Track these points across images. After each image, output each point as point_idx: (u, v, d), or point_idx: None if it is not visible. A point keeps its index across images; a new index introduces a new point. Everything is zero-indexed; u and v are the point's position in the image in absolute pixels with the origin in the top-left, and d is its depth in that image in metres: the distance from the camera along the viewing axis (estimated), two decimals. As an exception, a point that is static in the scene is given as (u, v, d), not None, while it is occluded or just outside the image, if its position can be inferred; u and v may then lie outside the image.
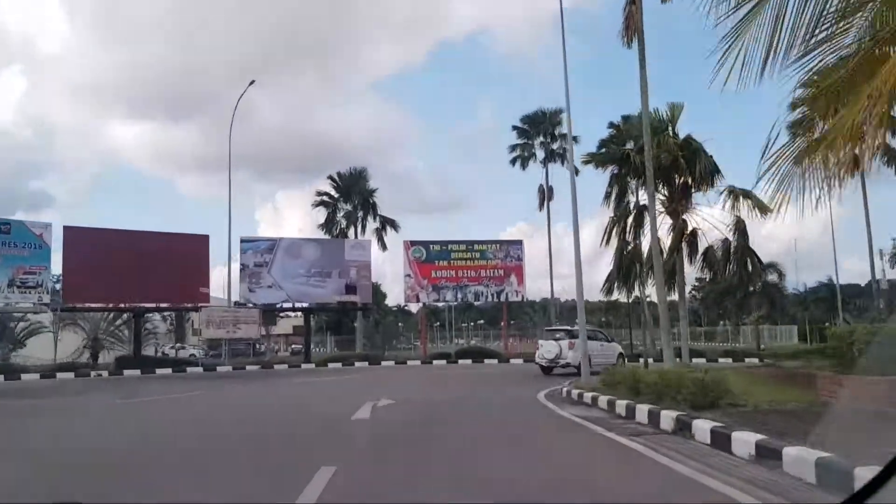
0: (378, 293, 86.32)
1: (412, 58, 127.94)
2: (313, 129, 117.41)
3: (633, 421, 10.13)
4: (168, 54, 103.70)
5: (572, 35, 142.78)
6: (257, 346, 56.53)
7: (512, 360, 37.01)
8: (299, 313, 51.48)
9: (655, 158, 23.11)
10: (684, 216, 23.76)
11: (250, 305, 35.41)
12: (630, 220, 24.40)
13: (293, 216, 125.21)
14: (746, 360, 35.70)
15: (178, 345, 54.86)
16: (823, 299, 69.66)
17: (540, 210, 41.86)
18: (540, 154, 42.43)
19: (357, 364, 35.13)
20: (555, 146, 42.14)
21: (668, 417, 8.90)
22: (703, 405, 9.23)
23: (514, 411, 12.81)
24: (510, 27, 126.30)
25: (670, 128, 23.92)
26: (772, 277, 40.53)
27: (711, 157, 23.22)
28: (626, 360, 25.21)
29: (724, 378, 9.59)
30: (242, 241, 35.40)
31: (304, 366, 34.26)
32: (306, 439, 9.11)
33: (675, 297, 24.94)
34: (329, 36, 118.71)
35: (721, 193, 22.53)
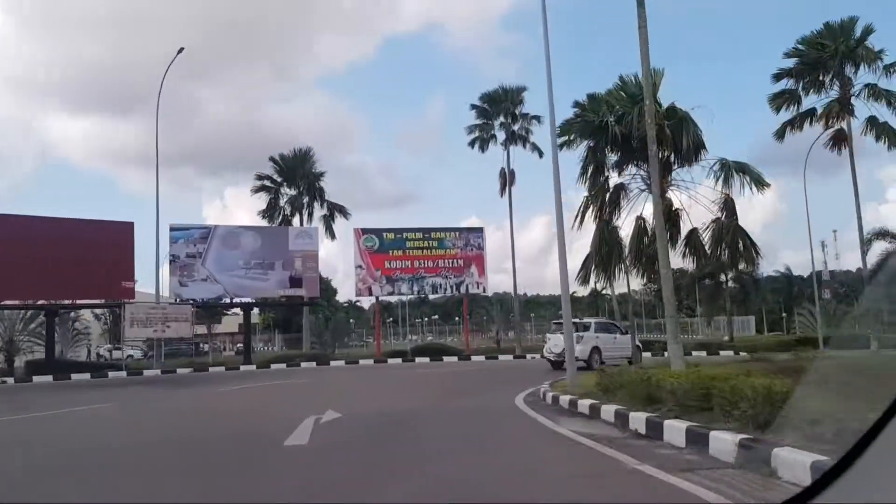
0: (329, 289, 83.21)
1: (361, 53, 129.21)
2: (261, 124, 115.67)
3: (660, 443, 7.67)
4: (111, 47, 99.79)
5: (526, 22, 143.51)
6: (201, 345, 53.37)
7: (473, 357, 34.65)
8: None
9: (637, 129, 21.04)
10: (668, 194, 21.59)
11: (190, 302, 32.13)
12: (607, 198, 21.92)
13: (241, 213, 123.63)
14: (721, 353, 34.17)
15: (114, 345, 50.96)
16: (779, 290, 69.30)
17: (501, 195, 39.42)
18: (500, 135, 40.00)
19: (304, 365, 32.16)
20: (516, 127, 39.77)
21: (725, 441, 6.43)
22: (767, 423, 6.75)
23: (495, 427, 10.19)
24: (460, 24, 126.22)
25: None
26: (743, 265, 38.85)
27: (699, 127, 21.05)
28: (642, 354, 23.81)
29: (790, 385, 7.09)
30: (172, 229, 31.95)
31: (243, 367, 31.07)
32: (215, 480, 6.33)
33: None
34: (277, 30, 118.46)
35: (712, 167, 20.22)
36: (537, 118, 39.12)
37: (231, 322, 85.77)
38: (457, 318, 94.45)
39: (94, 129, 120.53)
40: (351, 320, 77.78)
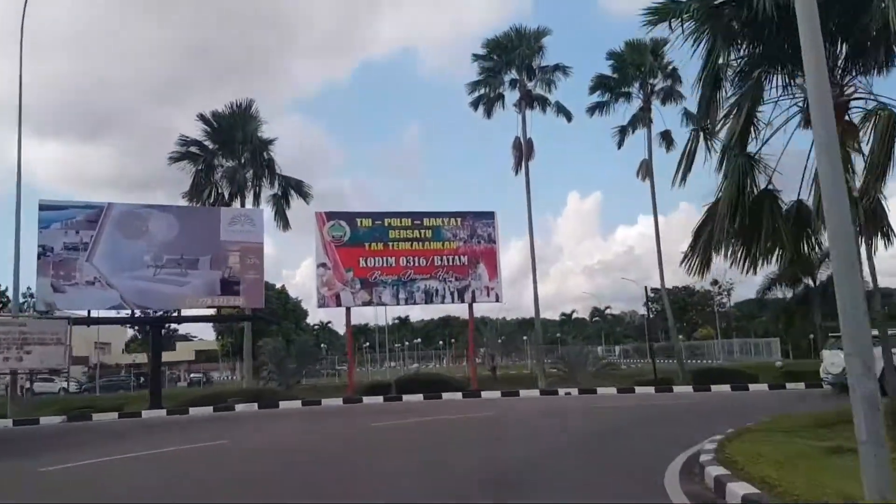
0: (298, 310, 73.43)
1: (337, 76, 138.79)
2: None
3: None
4: (83, 71, 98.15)
5: None
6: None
7: (483, 394, 25.68)
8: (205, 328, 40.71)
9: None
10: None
11: (67, 316, 22.81)
12: (739, 123, 12.92)
13: None
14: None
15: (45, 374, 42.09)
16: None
17: (516, 173, 30.71)
18: (511, 96, 31.37)
19: (241, 408, 22.98)
20: (531, 84, 31.10)
21: None
22: None
23: None
24: (436, 47, 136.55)
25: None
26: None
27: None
28: None
29: None
30: (42, 207, 22.48)
31: (147, 414, 21.78)
32: None
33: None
34: (250, 53, 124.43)
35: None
36: (563, 69, 30.56)
37: (185, 349, 76.39)
38: (441, 342, 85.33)
39: (61, 154, 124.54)
40: (322, 345, 68.06)
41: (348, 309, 26.33)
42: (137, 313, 24.41)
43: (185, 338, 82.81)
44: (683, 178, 14.15)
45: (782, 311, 32.40)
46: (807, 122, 13.63)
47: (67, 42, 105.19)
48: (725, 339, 58.82)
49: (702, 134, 14.36)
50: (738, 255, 12.83)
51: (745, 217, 12.42)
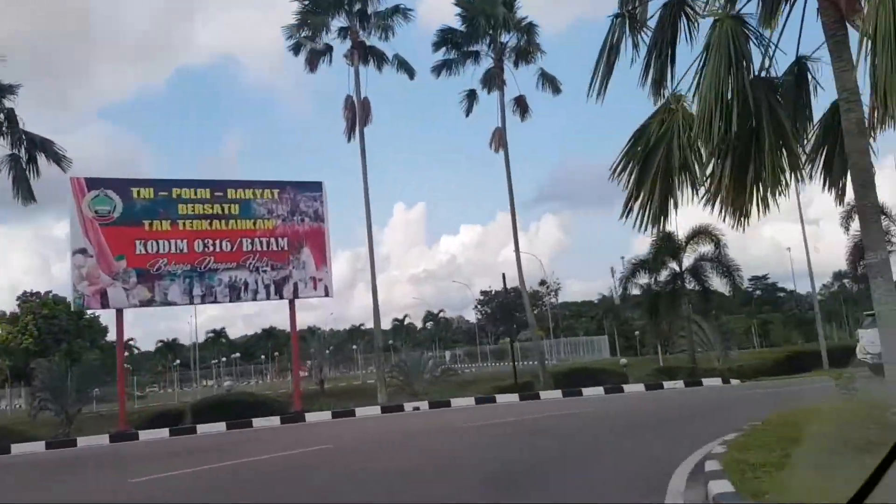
0: (94, 325, 62.57)
1: (150, 83, 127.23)
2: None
3: None
4: None
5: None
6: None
7: (309, 416, 20.06)
8: None
9: None
10: None
11: None
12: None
13: (13, 256, 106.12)
14: (705, 381, 23.64)
15: None
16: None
17: (349, 139, 25.40)
18: (340, 46, 25.98)
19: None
20: (364, 34, 25.87)
21: None
22: None
23: None
24: (256, 56, 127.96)
25: None
26: (707, 247, 27.66)
27: None
28: None
29: None
30: None
31: None
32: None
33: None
34: (54, 55, 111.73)
35: None
36: (404, 13, 25.57)
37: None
38: (263, 357, 77.49)
39: None
40: (127, 365, 58.12)
41: (120, 312, 19.36)
42: None
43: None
44: (603, 85, 9.50)
45: (648, 302, 29.41)
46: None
47: None
48: (554, 338, 57.55)
49: (627, 21, 9.93)
50: (728, 185, 8.10)
51: (735, 118, 7.82)
